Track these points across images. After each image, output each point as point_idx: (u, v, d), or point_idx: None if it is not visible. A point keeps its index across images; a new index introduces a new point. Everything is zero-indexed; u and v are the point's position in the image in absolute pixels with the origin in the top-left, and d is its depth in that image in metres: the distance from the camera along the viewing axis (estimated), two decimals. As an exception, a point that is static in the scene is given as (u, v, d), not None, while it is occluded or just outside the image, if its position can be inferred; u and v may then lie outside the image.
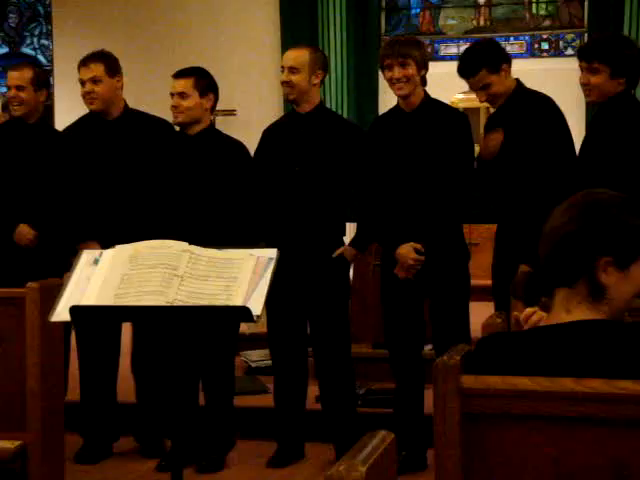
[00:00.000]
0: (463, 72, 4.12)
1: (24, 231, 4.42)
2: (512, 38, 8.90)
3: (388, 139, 4.13)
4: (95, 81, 4.33)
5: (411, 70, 4.02)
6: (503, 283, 4.03)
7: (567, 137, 4.07)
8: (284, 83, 4.25)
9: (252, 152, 4.39)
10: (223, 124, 8.22)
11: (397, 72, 4.02)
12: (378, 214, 4.13)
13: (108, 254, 2.88)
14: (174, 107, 4.21)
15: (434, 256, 4.02)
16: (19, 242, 4.42)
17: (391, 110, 4.25)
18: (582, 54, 3.94)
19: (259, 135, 4.44)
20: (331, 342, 4.26)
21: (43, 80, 4.63)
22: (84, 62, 4.38)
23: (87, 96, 4.35)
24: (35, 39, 9.62)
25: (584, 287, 1.85)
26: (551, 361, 1.79)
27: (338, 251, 4.22)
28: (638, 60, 3.89)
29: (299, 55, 4.26)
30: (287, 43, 8.37)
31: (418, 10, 9.00)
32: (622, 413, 1.69)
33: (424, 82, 4.12)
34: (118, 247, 2.89)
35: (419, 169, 4.04)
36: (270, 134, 4.40)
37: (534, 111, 4.05)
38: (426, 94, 4.14)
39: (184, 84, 4.21)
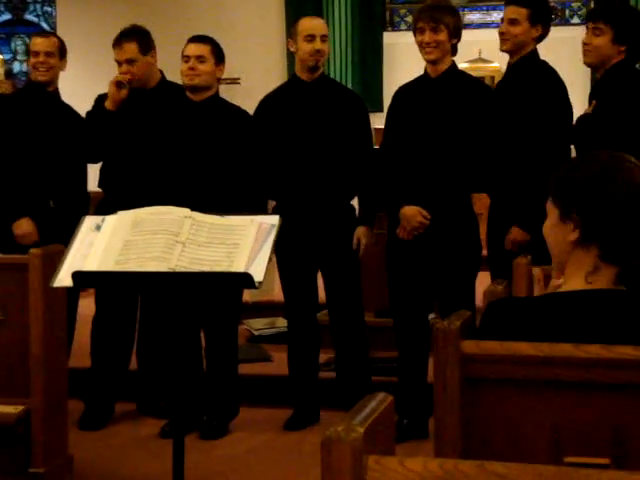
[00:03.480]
0: None
1: (25, 227, 4.42)
2: (518, 7, 8.79)
3: (410, 103, 4.16)
4: (130, 62, 4.34)
5: (442, 36, 4.03)
6: (498, 252, 4.06)
7: (567, 111, 4.07)
8: (318, 52, 4.27)
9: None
10: (227, 92, 8.18)
11: (428, 36, 4.03)
12: (386, 176, 4.14)
13: (110, 220, 2.87)
14: (190, 69, 4.17)
15: (442, 224, 4.02)
16: (21, 241, 4.34)
17: (418, 77, 4.25)
18: (590, 15, 4.17)
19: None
20: (345, 305, 4.31)
21: (64, 50, 4.66)
22: (118, 42, 4.38)
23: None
24: (38, 6, 9.55)
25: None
26: (557, 327, 1.79)
27: (356, 242, 4.26)
28: None
29: (323, 24, 4.40)
30: (291, 11, 8.31)
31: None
32: (621, 378, 1.69)
33: (454, 51, 4.13)
34: (120, 213, 2.89)
35: (437, 135, 4.03)
36: (272, 101, 4.42)
37: (539, 83, 4.04)
38: (454, 63, 4.16)
39: (203, 48, 4.21)
